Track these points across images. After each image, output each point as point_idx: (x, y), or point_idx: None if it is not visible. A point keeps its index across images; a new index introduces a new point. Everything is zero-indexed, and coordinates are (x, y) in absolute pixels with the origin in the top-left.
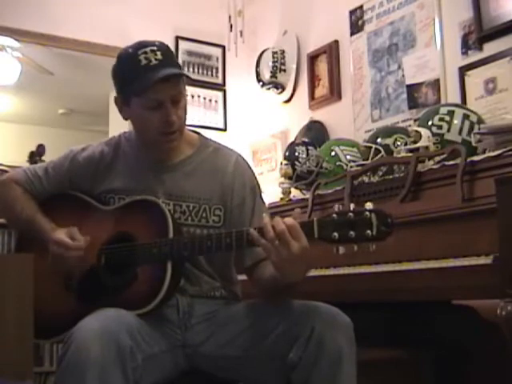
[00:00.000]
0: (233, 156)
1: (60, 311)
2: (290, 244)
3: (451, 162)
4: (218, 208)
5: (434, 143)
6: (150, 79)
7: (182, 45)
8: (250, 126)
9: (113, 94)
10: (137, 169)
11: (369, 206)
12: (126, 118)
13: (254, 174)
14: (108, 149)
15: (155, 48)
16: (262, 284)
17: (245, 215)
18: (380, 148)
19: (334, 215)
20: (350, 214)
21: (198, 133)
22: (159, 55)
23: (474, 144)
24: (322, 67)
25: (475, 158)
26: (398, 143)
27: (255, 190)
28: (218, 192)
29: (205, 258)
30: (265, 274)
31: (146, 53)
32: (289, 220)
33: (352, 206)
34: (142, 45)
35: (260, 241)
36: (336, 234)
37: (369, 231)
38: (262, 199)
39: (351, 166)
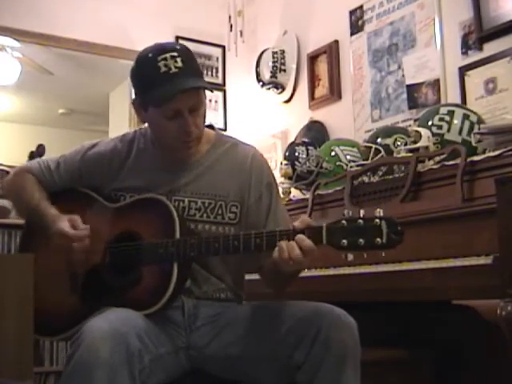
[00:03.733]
0: (250, 151)
1: (63, 309)
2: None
3: (451, 162)
4: (235, 205)
5: (434, 143)
6: (168, 91)
7: None
8: (250, 126)
9: (113, 93)
10: (151, 166)
11: (379, 212)
12: (143, 121)
13: (270, 170)
14: (121, 145)
15: (175, 54)
16: (263, 273)
17: (261, 212)
18: (380, 148)
19: (344, 221)
20: (360, 220)
21: (213, 128)
22: (179, 62)
23: (473, 144)
24: (322, 67)
25: (475, 158)
26: (398, 143)
27: (271, 186)
28: (235, 188)
29: (220, 257)
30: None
31: (165, 59)
32: (307, 245)
33: (362, 212)
34: (162, 50)
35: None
36: (345, 241)
37: (379, 239)
38: (279, 195)
39: (351, 166)
